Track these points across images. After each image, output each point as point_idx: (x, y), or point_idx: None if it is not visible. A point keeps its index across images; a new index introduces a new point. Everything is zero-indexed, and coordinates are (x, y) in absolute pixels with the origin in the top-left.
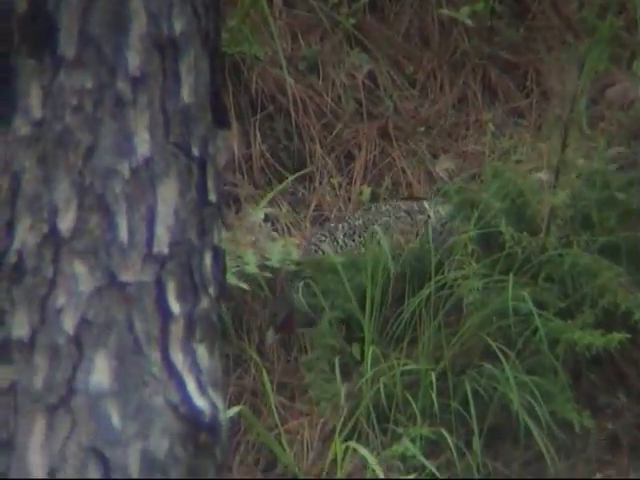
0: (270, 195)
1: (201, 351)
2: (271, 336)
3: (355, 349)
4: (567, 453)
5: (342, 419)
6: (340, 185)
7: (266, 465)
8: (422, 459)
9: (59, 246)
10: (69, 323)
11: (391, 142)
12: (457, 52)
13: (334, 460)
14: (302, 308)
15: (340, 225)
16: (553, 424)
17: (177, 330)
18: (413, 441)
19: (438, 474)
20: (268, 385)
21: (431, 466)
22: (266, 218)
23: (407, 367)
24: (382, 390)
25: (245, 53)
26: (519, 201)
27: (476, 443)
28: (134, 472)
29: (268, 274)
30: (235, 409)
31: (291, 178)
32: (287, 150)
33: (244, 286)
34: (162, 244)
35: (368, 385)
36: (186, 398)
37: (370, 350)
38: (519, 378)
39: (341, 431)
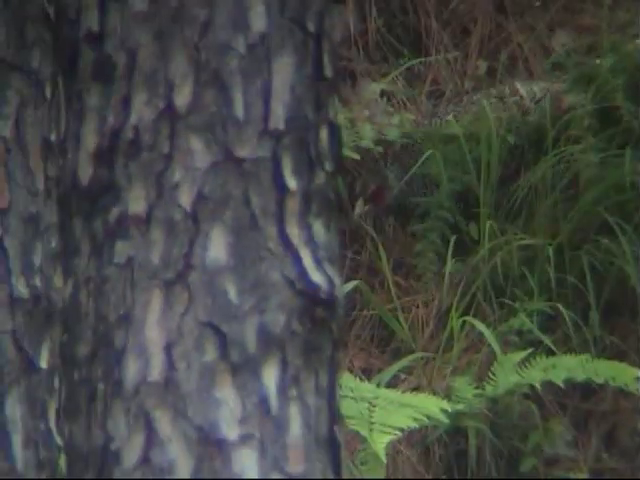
0: (392, 75)
1: (317, 226)
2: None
3: (472, 228)
4: None
5: (458, 294)
6: (456, 60)
7: (382, 341)
8: (538, 333)
9: (175, 121)
10: (185, 198)
11: (507, 16)
12: None
13: (450, 336)
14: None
15: (455, 100)
16: None
17: (293, 205)
18: (530, 315)
19: (554, 348)
20: (385, 261)
21: (547, 340)
22: (382, 93)
23: (524, 242)
24: (499, 265)
25: None
26: (637, 75)
27: (593, 317)
28: (251, 347)
29: (383, 149)
30: (351, 284)
31: (409, 63)
32: (403, 25)
33: (357, 157)
34: (278, 119)
35: (485, 260)
36: (302, 273)
37: (487, 225)
38: (636, 252)
39: (457, 307)
